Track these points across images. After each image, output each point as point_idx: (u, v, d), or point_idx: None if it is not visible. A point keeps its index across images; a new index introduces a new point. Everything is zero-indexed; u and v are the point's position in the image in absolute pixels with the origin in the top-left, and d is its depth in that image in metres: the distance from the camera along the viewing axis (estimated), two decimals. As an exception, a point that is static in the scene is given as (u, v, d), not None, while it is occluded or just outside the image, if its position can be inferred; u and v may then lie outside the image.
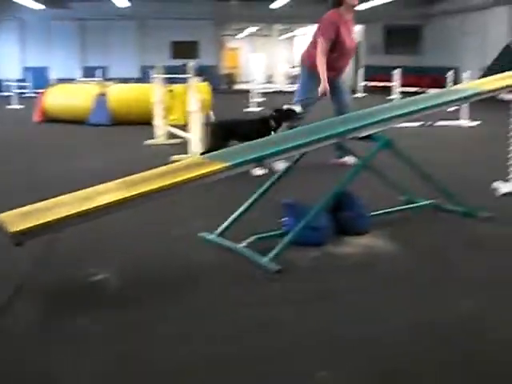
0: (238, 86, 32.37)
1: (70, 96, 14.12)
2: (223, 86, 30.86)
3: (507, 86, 5.69)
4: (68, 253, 4.42)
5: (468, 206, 5.35)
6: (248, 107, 17.13)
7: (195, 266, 4.22)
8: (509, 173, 6.24)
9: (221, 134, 7.33)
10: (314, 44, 7.72)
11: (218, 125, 7.68)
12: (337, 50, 7.62)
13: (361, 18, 29.98)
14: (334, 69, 7.70)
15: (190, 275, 4.05)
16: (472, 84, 6.46)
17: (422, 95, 5.69)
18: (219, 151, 4.80)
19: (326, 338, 3.12)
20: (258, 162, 4.18)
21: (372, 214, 5.07)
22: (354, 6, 7.75)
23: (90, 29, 29.37)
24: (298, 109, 7.41)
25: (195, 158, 4.49)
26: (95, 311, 3.45)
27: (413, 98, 5.71)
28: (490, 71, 19.52)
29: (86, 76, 24.25)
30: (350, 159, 7.24)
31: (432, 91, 11.07)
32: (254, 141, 4.76)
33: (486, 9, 25.19)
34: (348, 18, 7.74)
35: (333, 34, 7.51)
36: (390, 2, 24.86)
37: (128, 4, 24.85)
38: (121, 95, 13.49)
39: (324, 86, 7.53)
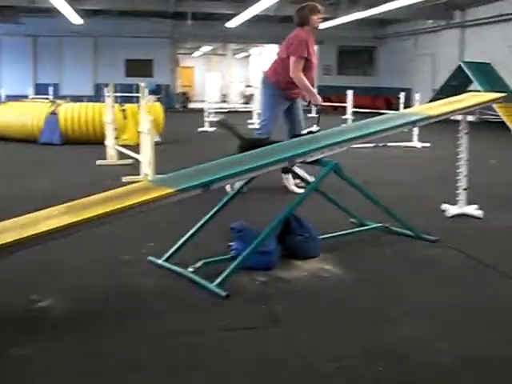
0: (192, 105, 32.32)
1: (21, 114, 13.88)
2: (177, 104, 30.82)
3: (454, 111, 5.78)
4: (9, 279, 4.33)
5: (416, 229, 5.40)
6: (202, 127, 17.10)
7: (141, 292, 4.17)
8: (457, 195, 6.30)
9: None
10: (280, 62, 7.73)
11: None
12: (305, 70, 7.65)
13: (315, 38, 30.28)
14: (297, 87, 7.73)
15: (135, 301, 4.00)
16: (420, 108, 6.55)
17: (372, 119, 5.72)
18: (166, 176, 4.77)
19: (272, 365, 3.10)
20: (205, 187, 4.16)
21: (321, 237, 5.07)
22: (317, 26, 7.81)
23: (42, 45, 29.07)
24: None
25: (143, 183, 4.45)
26: (35, 340, 3.39)
27: (363, 121, 5.75)
28: (442, 92, 19.77)
29: (38, 93, 24.03)
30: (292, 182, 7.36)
31: (385, 112, 11.21)
32: (203, 165, 4.73)
33: (438, 31, 25.57)
34: (312, 38, 7.78)
35: (305, 52, 7.55)
36: (344, 24, 25.05)
37: (81, 22, 24.69)
38: (72, 114, 13.35)
39: (315, 97, 7.77)
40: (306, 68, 7.65)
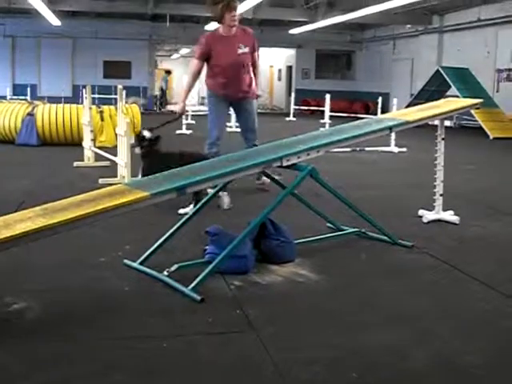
0: (170, 108, 32.27)
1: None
2: (155, 107, 30.77)
3: (432, 117, 5.80)
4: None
5: (392, 234, 5.42)
6: (180, 129, 17.08)
7: (116, 295, 4.14)
8: (434, 200, 6.32)
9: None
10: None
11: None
12: (214, 68, 7.50)
13: (293, 42, 30.39)
14: (220, 87, 7.57)
15: (109, 304, 3.98)
16: (398, 114, 6.56)
17: (349, 124, 5.73)
18: (143, 179, 4.75)
19: (246, 370, 3.09)
20: (180, 190, 4.14)
21: (297, 242, 5.07)
22: (233, 25, 7.33)
23: (20, 46, 28.91)
24: (147, 134, 7.09)
25: (118, 186, 4.42)
26: (10, 343, 3.35)
27: (340, 126, 5.75)
28: (420, 97, 19.89)
29: (15, 94, 23.93)
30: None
31: (363, 116, 11.24)
32: (179, 169, 4.72)
33: (416, 36, 25.70)
34: (229, 34, 7.41)
35: (198, 52, 7.45)
36: (322, 28, 25.13)
37: (59, 23, 24.61)
38: (50, 115, 13.27)
39: (179, 105, 7.69)
40: (216, 66, 7.48)
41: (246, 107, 7.70)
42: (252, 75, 7.62)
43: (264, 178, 7.38)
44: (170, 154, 6.87)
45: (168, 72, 36.73)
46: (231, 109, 8.16)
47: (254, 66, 7.65)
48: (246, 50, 7.44)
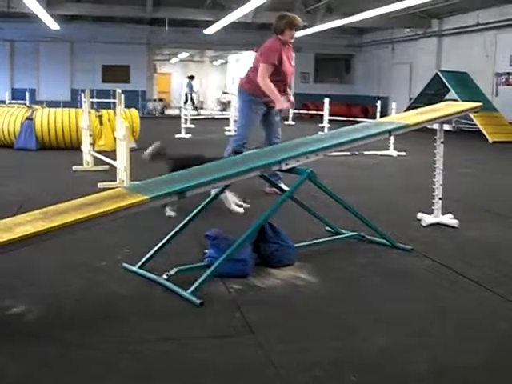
0: (169, 112, 32.29)
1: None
2: (154, 111, 30.76)
3: (431, 120, 5.80)
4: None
5: (391, 238, 5.41)
6: (179, 133, 17.10)
7: (115, 299, 4.14)
8: (433, 203, 6.32)
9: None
10: (255, 70, 7.76)
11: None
12: (275, 76, 7.67)
13: (292, 46, 30.37)
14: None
15: (109, 308, 3.98)
16: (397, 117, 6.57)
17: (348, 127, 5.74)
18: (141, 182, 4.74)
19: (246, 374, 3.09)
20: (180, 194, 4.14)
21: (296, 245, 5.07)
22: (289, 42, 7.83)
23: (19, 50, 28.92)
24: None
25: (117, 190, 4.42)
26: (10, 346, 3.35)
27: (339, 130, 5.75)
28: (419, 100, 19.89)
29: (14, 98, 23.93)
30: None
31: (362, 120, 11.24)
32: (177, 172, 4.72)
33: (415, 40, 25.72)
34: (287, 47, 7.86)
35: (274, 59, 7.61)
36: (321, 32, 25.14)
37: (58, 27, 24.62)
38: (49, 120, 13.26)
39: (279, 102, 7.71)
40: (278, 75, 7.71)
41: (276, 112, 8.07)
42: None
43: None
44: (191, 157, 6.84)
45: (191, 77, 36.25)
46: None
47: None
48: (293, 62, 8.00)
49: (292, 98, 8.13)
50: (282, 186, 7.10)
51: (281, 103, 7.69)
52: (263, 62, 7.64)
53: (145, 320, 3.78)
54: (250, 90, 7.82)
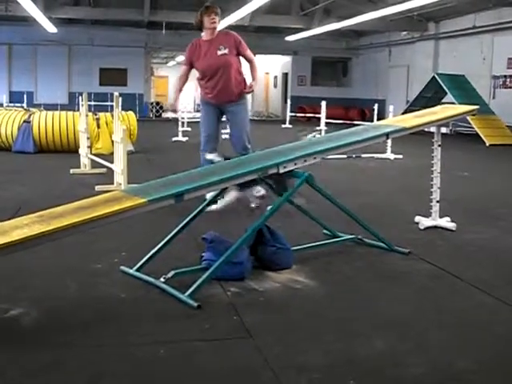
0: (166, 115, 32.27)
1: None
2: (151, 114, 30.77)
3: (428, 123, 5.81)
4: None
5: (389, 241, 5.42)
6: (176, 136, 17.10)
7: (112, 302, 4.14)
8: (430, 207, 6.32)
9: None
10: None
11: None
12: (198, 73, 7.59)
13: (289, 49, 30.43)
14: (209, 92, 7.55)
15: (106, 311, 3.97)
16: (394, 120, 6.57)
17: (345, 130, 5.74)
18: (140, 185, 4.74)
19: (243, 377, 3.09)
20: (178, 197, 4.14)
21: (294, 248, 5.07)
22: (213, 27, 7.37)
23: (17, 53, 28.90)
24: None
25: (115, 192, 4.42)
26: (6, 349, 3.35)
27: (336, 133, 5.76)
28: (416, 103, 19.91)
29: (12, 101, 23.93)
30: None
31: (359, 123, 11.26)
32: (175, 175, 4.72)
33: (412, 43, 25.74)
34: (209, 38, 7.46)
35: (185, 60, 7.63)
36: (318, 35, 25.17)
37: (55, 30, 24.62)
38: (46, 122, 13.25)
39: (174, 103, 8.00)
40: (201, 74, 7.54)
41: (233, 110, 7.55)
42: (244, 76, 7.59)
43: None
44: None
45: None
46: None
47: (251, 63, 7.57)
48: (226, 50, 7.36)
49: (251, 83, 7.52)
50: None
51: (173, 104, 7.81)
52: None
53: (142, 323, 3.77)
54: (200, 93, 7.83)
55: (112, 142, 9.18)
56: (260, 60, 31.08)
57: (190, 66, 7.55)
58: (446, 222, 6.35)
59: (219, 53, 7.35)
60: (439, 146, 6.14)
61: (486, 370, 3.23)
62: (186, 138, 16.86)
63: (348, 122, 16.09)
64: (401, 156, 13.27)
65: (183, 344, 3.47)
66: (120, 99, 8.51)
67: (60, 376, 3.07)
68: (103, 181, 8.77)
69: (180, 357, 3.30)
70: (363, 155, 12.61)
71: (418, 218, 6.46)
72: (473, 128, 17.77)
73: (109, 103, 20.15)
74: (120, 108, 8.55)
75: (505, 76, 20.44)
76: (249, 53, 7.57)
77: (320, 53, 31.09)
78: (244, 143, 7.43)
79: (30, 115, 13.40)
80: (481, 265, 5.18)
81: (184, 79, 7.67)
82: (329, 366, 3.22)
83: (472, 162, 13.57)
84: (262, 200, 5.04)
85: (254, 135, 8.04)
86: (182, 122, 18.01)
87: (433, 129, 6.12)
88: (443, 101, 19.17)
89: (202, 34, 7.52)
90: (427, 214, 6.38)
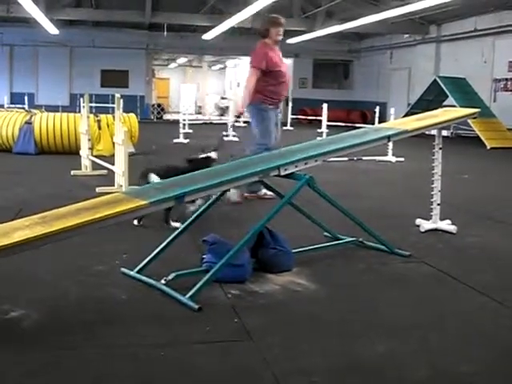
0: (167, 117, 32.29)
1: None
2: (152, 116, 30.78)
3: (429, 126, 5.81)
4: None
5: (389, 243, 5.41)
6: (177, 138, 17.09)
7: (113, 304, 4.14)
8: (431, 209, 6.32)
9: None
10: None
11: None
12: (274, 79, 7.76)
13: (290, 51, 30.40)
14: (274, 98, 7.86)
15: (107, 313, 3.97)
16: (395, 123, 6.57)
17: (346, 133, 5.74)
18: (141, 187, 4.75)
19: (244, 379, 3.09)
20: (179, 199, 4.14)
21: (295, 251, 5.07)
22: (278, 39, 7.88)
23: (18, 54, 28.92)
24: (214, 155, 6.91)
25: (116, 194, 4.42)
26: (7, 351, 3.34)
27: (338, 135, 5.76)
28: (417, 106, 19.91)
29: (13, 102, 23.92)
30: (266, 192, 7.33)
31: (360, 126, 11.26)
32: (177, 177, 4.72)
33: (414, 46, 25.74)
34: (275, 48, 7.92)
35: (261, 63, 7.68)
36: (320, 37, 25.17)
37: (57, 32, 24.62)
38: (47, 124, 13.24)
39: (240, 107, 8.01)
40: (274, 78, 7.78)
41: (278, 113, 8.14)
42: None
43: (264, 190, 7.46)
44: None
45: None
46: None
47: None
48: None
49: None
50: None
51: (239, 105, 7.88)
52: (250, 66, 7.80)
53: (143, 325, 3.77)
54: (260, 99, 7.84)
55: (113, 143, 9.17)
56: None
57: (266, 68, 7.73)
58: (446, 225, 6.34)
59: (285, 64, 8.05)
60: (440, 148, 6.13)
61: (488, 373, 3.23)
62: (188, 140, 16.85)
63: (349, 124, 16.11)
64: (402, 159, 13.27)
65: (184, 346, 3.47)
66: (121, 101, 8.51)
67: (60, 376, 3.07)
68: (104, 182, 8.76)
69: (181, 359, 3.30)
70: (364, 158, 12.60)
71: (418, 221, 6.46)
72: (474, 131, 17.77)
73: (110, 105, 20.12)
74: (121, 110, 8.55)
75: (506, 79, 20.45)
76: None
77: (321, 55, 31.10)
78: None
79: (31, 116, 13.40)
80: (481, 267, 5.18)
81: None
82: (329, 368, 3.21)
83: (473, 164, 13.57)
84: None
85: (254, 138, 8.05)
86: (184, 124, 18.00)
87: (434, 132, 6.11)
88: (444, 104, 19.19)
89: (265, 40, 7.86)
90: (428, 217, 6.37)
